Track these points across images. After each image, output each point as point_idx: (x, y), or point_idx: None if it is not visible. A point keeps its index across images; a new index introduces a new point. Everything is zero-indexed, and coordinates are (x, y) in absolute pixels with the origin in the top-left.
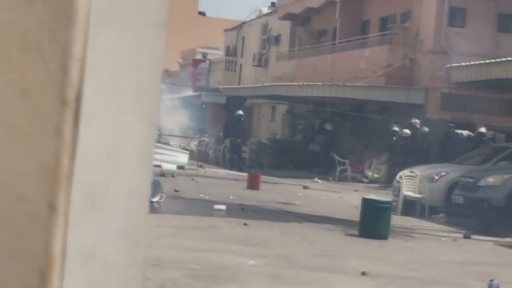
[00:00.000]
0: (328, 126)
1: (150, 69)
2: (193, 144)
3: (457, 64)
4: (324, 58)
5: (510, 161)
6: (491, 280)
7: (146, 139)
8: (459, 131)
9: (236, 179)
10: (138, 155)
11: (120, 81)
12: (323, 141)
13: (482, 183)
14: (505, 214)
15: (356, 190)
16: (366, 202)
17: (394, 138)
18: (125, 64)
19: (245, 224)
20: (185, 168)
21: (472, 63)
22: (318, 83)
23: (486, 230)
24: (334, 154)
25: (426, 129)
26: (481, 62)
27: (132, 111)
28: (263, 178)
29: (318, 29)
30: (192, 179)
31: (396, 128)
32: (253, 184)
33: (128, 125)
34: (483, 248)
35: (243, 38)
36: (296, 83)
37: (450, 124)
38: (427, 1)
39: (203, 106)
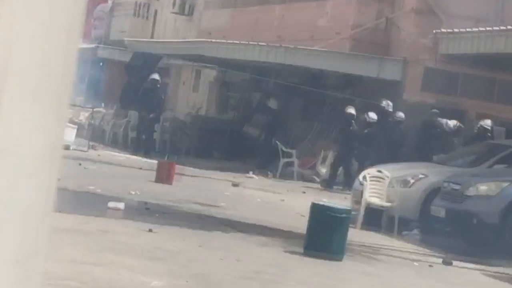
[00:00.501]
0: (272, 103)
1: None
2: (83, 116)
3: (448, 30)
4: (270, 9)
5: (509, 164)
6: None
7: (51, 137)
8: (444, 120)
9: (141, 168)
10: (39, 158)
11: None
12: (264, 123)
13: (471, 191)
14: (499, 234)
15: (304, 192)
16: (317, 210)
17: (350, 124)
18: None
19: (150, 231)
20: (71, 148)
21: (468, 30)
22: (260, 43)
23: (473, 254)
24: (278, 142)
25: (401, 114)
26: (481, 29)
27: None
28: (178, 168)
29: None
30: (80, 165)
31: (351, 111)
32: (164, 176)
33: (28, 119)
34: (467, 279)
35: None
36: (230, 41)
37: (434, 110)
38: None
39: (101, 64)
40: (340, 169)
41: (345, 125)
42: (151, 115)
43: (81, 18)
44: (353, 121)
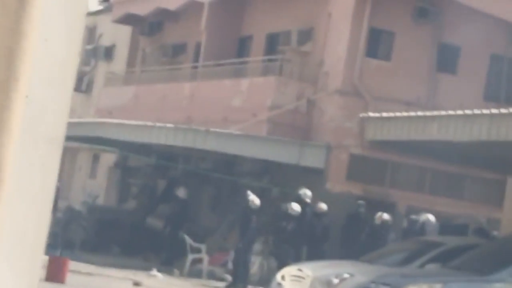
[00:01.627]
0: (180, 192)
1: None
2: None
3: (376, 114)
4: (179, 87)
5: (442, 263)
6: None
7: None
8: (379, 214)
9: None
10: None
11: None
12: (170, 214)
13: None
14: None
15: None
16: None
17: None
18: None
19: None
20: None
21: (398, 114)
22: (167, 125)
23: None
24: (185, 235)
25: (323, 206)
26: (411, 114)
27: None
28: (72, 264)
29: (173, 43)
30: None
31: (252, 199)
32: (56, 273)
33: None
34: None
35: None
36: (133, 122)
37: (360, 202)
38: (337, 17)
39: None
40: (257, 265)
41: (246, 217)
42: None
43: None
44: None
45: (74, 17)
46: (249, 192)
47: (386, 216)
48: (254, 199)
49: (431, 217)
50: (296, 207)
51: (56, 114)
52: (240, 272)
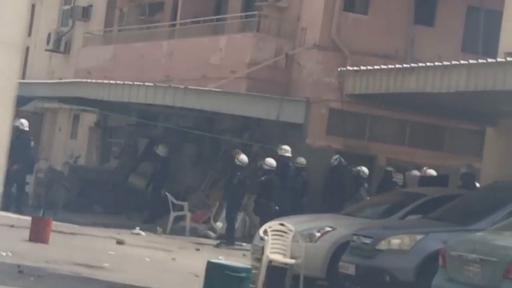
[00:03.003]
0: (161, 150)
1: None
2: None
3: (354, 68)
4: (157, 45)
5: (423, 214)
6: None
7: None
8: (356, 168)
9: (12, 225)
10: None
11: None
12: (152, 173)
13: (383, 245)
14: None
15: (198, 249)
16: (213, 269)
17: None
18: None
19: None
20: None
21: (376, 67)
22: (146, 83)
23: None
24: (168, 193)
25: (302, 160)
26: (389, 67)
27: None
28: (55, 225)
29: (150, 1)
30: None
31: (240, 156)
32: (39, 234)
33: None
34: None
35: (33, 6)
36: (112, 81)
37: (338, 156)
38: None
39: None
40: (239, 221)
41: (232, 173)
42: (14, 166)
43: None
44: (240, 168)
45: None
46: (237, 150)
47: (363, 169)
48: (243, 157)
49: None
50: (270, 162)
51: (13, 20)
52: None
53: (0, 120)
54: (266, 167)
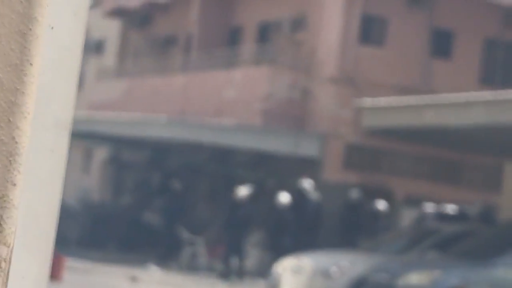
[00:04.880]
0: (177, 184)
1: None
2: None
3: (371, 102)
4: (172, 80)
5: (443, 250)
6: None
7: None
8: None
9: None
10: None
11: None
12: (166, 207)
13: (401, 282)
14: None
15: (214, 286)
16: None
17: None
18: None
19: None
20: None
21: (393, 101)
22: (160, 118)
23: None
24: (183, 229)
25: (316, 195)
26: (407, 101)
27: None
28: (68, 262)
29: (165, 35)
30: None
31: (242, 192)
32: (52, 271)
33: None
34: None
35: None
36: (126, 116)
37: (353, 189)
38: (330, 4)
39: None
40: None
41: (234, 209)
42: None
43: None
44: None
45: (78, 5)
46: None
47: (381, 205)
48: (240, 190)
49: (429, 205)
50: (284, 198)
51: (63, 98)
52: (232, 263)
53: (50, 198)
54: (280, 204)
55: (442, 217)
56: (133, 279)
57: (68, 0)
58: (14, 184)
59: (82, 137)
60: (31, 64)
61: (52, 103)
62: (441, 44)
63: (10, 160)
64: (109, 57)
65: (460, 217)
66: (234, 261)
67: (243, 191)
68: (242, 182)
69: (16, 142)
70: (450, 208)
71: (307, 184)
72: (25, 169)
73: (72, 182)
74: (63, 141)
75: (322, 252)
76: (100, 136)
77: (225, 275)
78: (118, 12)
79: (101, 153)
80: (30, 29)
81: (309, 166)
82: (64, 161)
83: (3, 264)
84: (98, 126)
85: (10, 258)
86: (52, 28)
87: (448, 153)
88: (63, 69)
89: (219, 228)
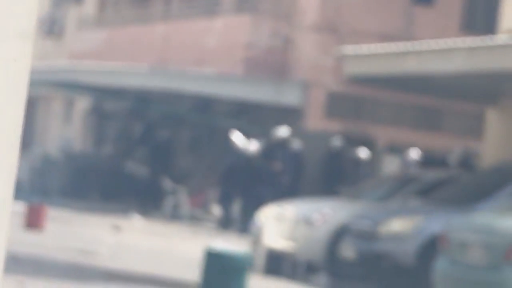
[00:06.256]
0: (157, 135)
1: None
2: None
3: (352, 50)
4: (152, 28)
5: (423, 196)
6: None
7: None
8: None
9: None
10: None
11: None
12: (148, 157)
13: (383, 229)
14: (415, 277)
15: (195, 235)
16: (211, 255)
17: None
18: None
19: (22, 285)
20: None
21: (375, 48)
22: (141, 67)
23: None
24: (165, 178)
25: (297, 144)
26: (388, 48)
27: None
28: (50, 212)
29: None
30: None
31: (237, 140)
32: (34, 221)
33: None
34: None
35: None
36: (108, 66)
37: (335, 137)
38: None
39: None
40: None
41: (229, 157)
42: None
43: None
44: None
45: None
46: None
47: (362, 152)
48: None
49: (412, 152)
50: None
51: (25, 7)
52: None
53: (14, 107)
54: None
55: (424, 163)
56: (116, 228)
57: None
58: None
59: (63, 87)
60: None
61: (15, 13)
62: None
63: None
64: (89, 6)
65: (441, 163)
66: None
67: (253, 145)
68: (224, 131)
69: None
70: (432, 155)
71: (284, 132)
72: None
73: (53, 132)
74: (27, 50)
75: (304, 200)
76: (81, 85)
77: (225, 223)
78: None
79: (82, 103)
80: None
81: (291, 115)
82: (27, 70)
83: None
84: (79, 76)
85: None
86: None
87: (430, 100)
88: None
89: (203, 178)
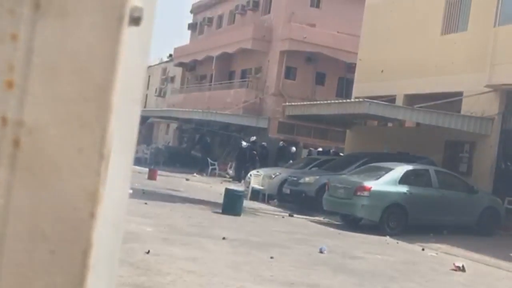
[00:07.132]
0: (205, 139)
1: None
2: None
3: (289, 104)
4: (203, 94)
5: (319, 167)
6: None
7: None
8: (290, 147)
9: (139, 172)
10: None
11: None
12: (201, 149)
13: (302, 180)
14: (315, 201)
15: (221, 183)
16: (227, 191)
17: (240, 150)
18: None
19: (145, 203)
20: None
21: (298, 103)
22: (198, 110)
23: (303, 211)
24: (208, 158)
25: (264, 143)
26: (304, 103)
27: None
28: (159, 172)
29: (200, 74)
30: None
31: (243, 143)
32: (152, 176)
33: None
34: (300, 223)
35: (149, 77)
36: (184, 109)
37: (282, 141)
38: (272, 61)
39: None
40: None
41: (239, 150)
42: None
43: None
44: (243, 148)
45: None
46: (243, 141)
47: (293, 148)
48: (243, 142)
49: (315, 148)
50: (244, 143)
51: (137, 79)
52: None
53: (131, 130)
54: (244, 146)
55: (320, 153)
56: (187, 179)
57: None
58: None
59: (166, 118)
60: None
61: (131, 84)
62: (320, 78)
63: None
64: (177, 84)
65: (327, 153)
66: (238, 173)
67: (245, 142)
68: (234, 138)
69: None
70: (324, 150)
71: (253, 138)
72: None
73: (160, 138)
74: (138, 110)
75: (268, 168)
76: (173, 117)
77: (236, 178)
78: (180, 64)
79: (173, 125)
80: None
81: (263, 131)
82: (135, 133)
83: None
84: (172, 114)
85: None
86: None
87: (323, 125)
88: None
89: (225, 158)
